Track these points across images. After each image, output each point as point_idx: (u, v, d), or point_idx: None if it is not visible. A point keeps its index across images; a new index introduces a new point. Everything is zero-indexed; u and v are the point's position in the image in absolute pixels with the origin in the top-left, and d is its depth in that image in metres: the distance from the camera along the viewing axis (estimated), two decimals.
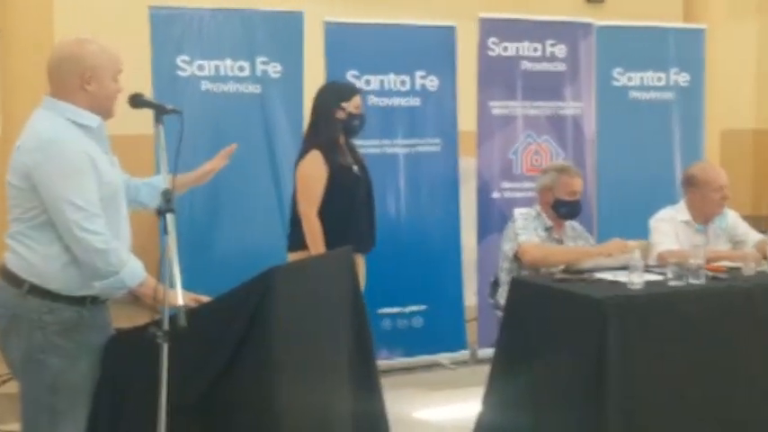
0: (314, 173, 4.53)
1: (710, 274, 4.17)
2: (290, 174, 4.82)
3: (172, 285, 2.76)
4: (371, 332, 3.55)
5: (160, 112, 2.96)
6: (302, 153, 4.63)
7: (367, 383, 3.45)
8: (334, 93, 4.71)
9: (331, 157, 4.56)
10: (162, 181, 2.92)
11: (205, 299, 3.03)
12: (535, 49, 6.10)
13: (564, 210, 4.73)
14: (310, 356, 3.11)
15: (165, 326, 2.73)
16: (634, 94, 6.40)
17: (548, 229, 4.74)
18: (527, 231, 4.65)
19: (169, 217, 2.80)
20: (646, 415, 3.84)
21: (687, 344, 3.92)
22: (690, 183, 4.87)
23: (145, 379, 2.81)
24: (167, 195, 2.81)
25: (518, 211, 4.80)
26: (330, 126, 4.60)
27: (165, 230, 2.80)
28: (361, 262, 4.73)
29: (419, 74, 5.85)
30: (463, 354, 5.99)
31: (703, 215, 4.83)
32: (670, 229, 4.75)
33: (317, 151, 4.55)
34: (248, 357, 2.88)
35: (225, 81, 5.43)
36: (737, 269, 4.29)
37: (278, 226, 5.30)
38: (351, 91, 4.76)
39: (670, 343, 3.89)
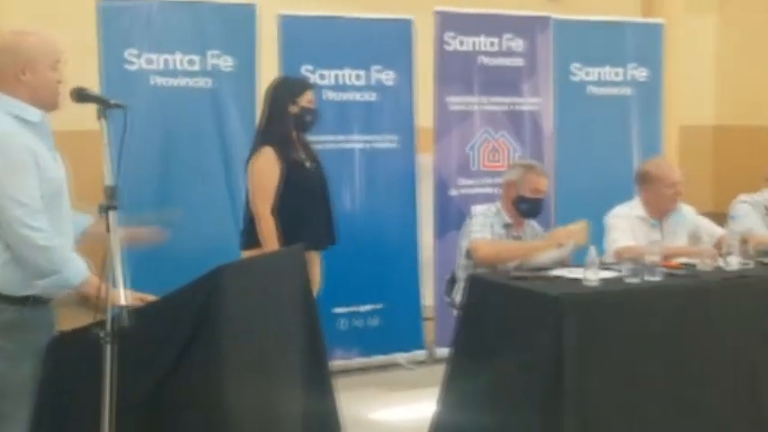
0: (267, 169, 4.53)
1: (667, 270, 4.22)
2: (243, 170, 4.79)
3: (116, 285, 2.74)
4: (324, 331, 3.54)
5: (104, 106, 2.93)
6: (254, 149, 4.62)
7: (319, 383, 3.45)
8: (286, 87, 4.70)
9: (284, 153, 4.55)
10: (85, 218, 2.95)
11: (151, 298, 3.02)
12: (492, 44, 6.13)
13: (525, 207, 4.76)
14: (260, 355, 3.11)
15: (109, 326, 2.71)
16: (592, 90, 6.46)
17: (506, 226, 4.77)
18: (483, 228, 4.68)
19: (111, 214, 2.77)
20: (603, 413, 3.87)
21: (643, 341, 3.96)
22: (643, 179, 4.93)
23: (92, 379, 2.78)
24: (110, 192, 2.79)
25: (477, 208, 4.83)
26: (283, 121, 4.59)
27: (107, 228, 2.77)
28: (317, 260, 4.73)
29: (375, 68, 5.85)
30: (420, 353, 6.02)
31: (658, 211, 4.89)
32: (626, 225, 4.80)
33: (269, 147, 4.55)
34: (196, 356, 2.89)
35: (175, 75, 5.39)
36: (694, 266, 4.34)
37: (231, 223, 5.28)
38: (303, 85, 4.76)
39: (626, 340, 3.92)
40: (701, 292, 4.12)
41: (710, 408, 4.11)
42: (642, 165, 5.06)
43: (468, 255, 4.68)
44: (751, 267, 4.36)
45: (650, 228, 4.85)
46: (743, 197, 5.31)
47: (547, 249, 4.61)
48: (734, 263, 4.35)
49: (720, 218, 5.27)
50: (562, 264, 4.54)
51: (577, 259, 4.50)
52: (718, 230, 4.95)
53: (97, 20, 5.24)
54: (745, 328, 4.18)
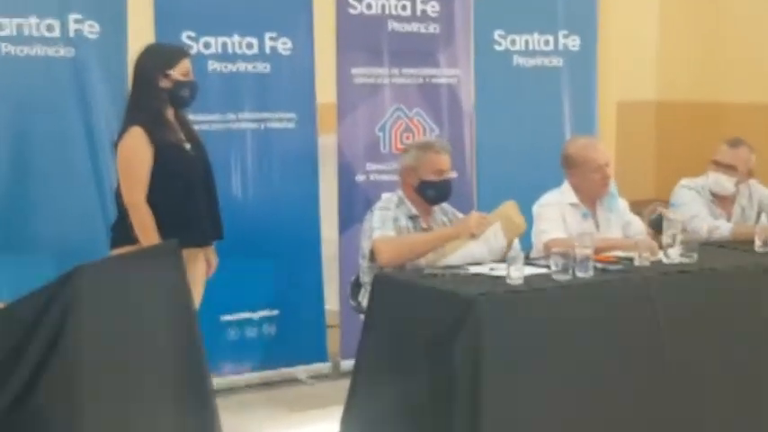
0: (136, 152, 4.45)
1: (600, 265, 4.26)
2: (113, 154, 4.69)
3: None
4: (203, 343, 3.49)
5: None
6: (122, 130, 4.53)
7: (197, 400, 3.43)
8: (156, 57, 4.61)
9: (156, 134, 4.48)
10: None
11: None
12: (404, 7, 6.10)
13: (431, 192, 4.75)
14: (124, 370, 3.08)
15: None
16: (518, 60, 6.48)
17: (413, 218, 4.75)
18: (384, 224, 4.64)
19: None
20: (527, 423, 3.90)
21: (573, 344, 4.01)
22: (567, 163, 4.97)
23: None
24: None
25: (379, 203, 4.80)
26: (153, 97, 4.51)
27: None
28: (200, 258, 4.67)
29: (269, 35, 5.76)
30: (323, 366, 5.99)
31: (588, 198, 4.93)
32: (556, 214, 4.82)
33: (138, 127, 4.47)
34: (52, 370, 2.87)
35: (30, 43, 5.22)
36: (630, 259, 4.39)
37: (98, 217, 5.19)
38: (177, 54, 4.67)
39: (554, 343, 3.96)
40: (639, 289, 4.17)
41: (649, 409, 4.16)
42: (565, 147, 5.08)
43: (372, 257, 4.64)
44: (694, 261, 4.42)
45: (582, 218, 4.88)
46: (685, 182, 5.39)
47: (456, 237, 4.57)
48: (674, 256, 4.41)
49: (663, 206, 5.35)
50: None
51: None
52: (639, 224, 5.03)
53: None
54: (687, 326, 4.25)
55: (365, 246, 4.71)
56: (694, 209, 5.19)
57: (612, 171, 5.00)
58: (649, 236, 4.85)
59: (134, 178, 4.46)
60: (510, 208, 4.72)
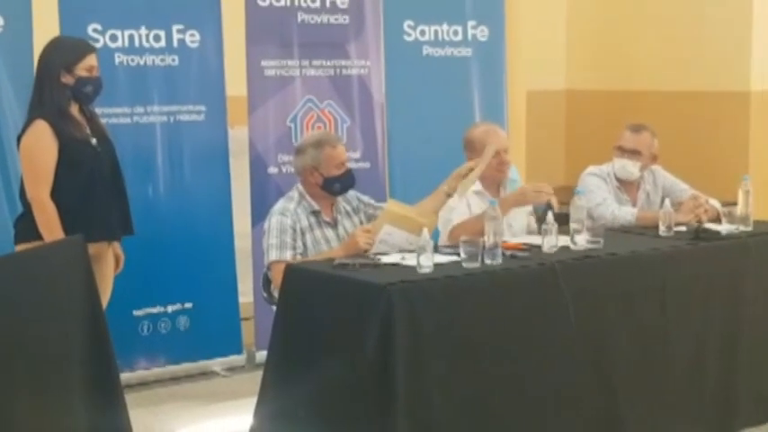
0: (40, 147, 4.38)
1: (508, 252, 4.28)
2: (17, 149, 4.61)
3: None
4: (110, 334, 3.43)
5: None
6: (26, 124, 4.45)
7: (106, 398, 3.37)
8: (59, 52, 4.54)
9: (61, 129, 4.41)
10: None
11: None
12: None
13: (338, 186, 4.74)
14: (29, 367, 2.99)
15: None
16: (428, 50, 6.50)
17: (315, 213, 4.73)
18: (281, 248, 4.57)
19: None
20: (443, 414, 3.91)
21: (484, 330, 4.02)
22: (467, 147, 5.03)
23: None
24: None
25: (278, 204, 4.74)
26: (56, 92, 4.44)
27: None
28: (108, 253, 4.61)
29: (177, 27, 5.68)
30: (238, 358, 5.96)
31: (489, 183, 4.99)
32: (461, 203, 4.85)
33: (42, 121, 4.39)
34: None
35: None
36: (537, 246, 4.42)
37: (4, 211, 5.08)
38: (81, 49, 4.59)
39: (464, 330, 3.97)
40: (547, 275, 4.20)
41: (559, 399, 4.21)
42: (466, 131, 5.13)
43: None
44: (599, 246, 4.47)
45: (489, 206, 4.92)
46: (591, 169, 5.45)
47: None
48: (581, 242, 4.45)
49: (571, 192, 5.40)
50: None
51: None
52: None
53: None
54: (595, 312, 4.29)
55: (266, 244, 4.66)
56: (599, 196, 5.24)
57: (511, 158, 5.07)
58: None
59: (38, 173, 4.39)
60: (394, 206, 4.71)
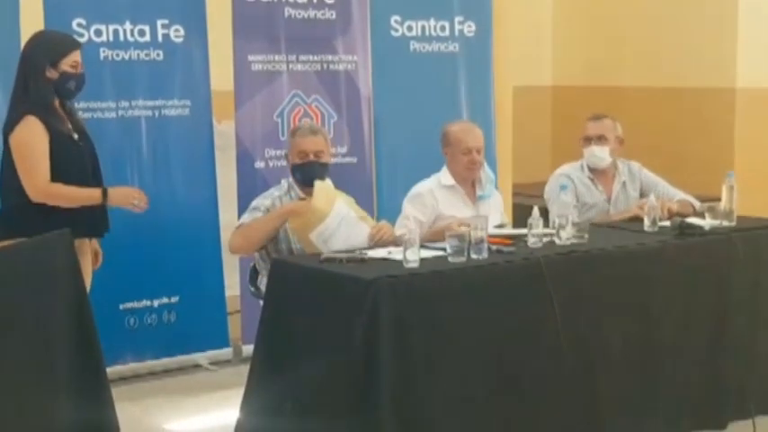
0: (35, 140, 4.37)
1: (494, 247, 4.30)
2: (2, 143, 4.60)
3: None
4: (97, 330, 3.44)
5: None
6: (12, 121, 4.44)
7: (92, 391, 3.37)
8: (44, 47, 4.53)
9: (49, 123, 4.41)
10: None
11: None
12: None
13: (298, 175, 4.78)
14: (12, 363, 2.99)
15: None
16: (415, 46, 6.50)
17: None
18: (248, 217, 4.69)
19: None
20: (427, 410, 3.92)
21: (470, 324, 4.03)
22: (442, 142, 5.11)
23: None
24: None
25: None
26: (40, 88, 4.44)
27: None
28: (88, 249, 4.60)
29: (161, 22, 5.68)
30: (225, 352, 5.97)
31: (460, 179, 5.06)
32: (421, 209, 4.96)
33: (32, 117, 4.39)
34: None
35: None
36: (523, 240, 4.43)
37: None
38: (67, 45, 4.58)
39: (451, 324, 3.98)
40: (532, 270, 4.20)
41: (545, 391, 4.23)
42: (444, 126, 5.18)
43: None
44: (583, 242, 4.48)
45: (463, 203, 4.98)
46: (558, 171, 5.56)
47: (295, 211, 4.58)
48: (566, 237, 4.47)
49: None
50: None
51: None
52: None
53: None
54: (580, 306, 4.31)
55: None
56: (557, 206, 5.18)
57: (483, 158, 5.09)
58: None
59: (36, 164, 4.38)
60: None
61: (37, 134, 4.39)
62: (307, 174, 4.74)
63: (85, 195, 4.47)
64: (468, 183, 5.09)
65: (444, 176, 5.06)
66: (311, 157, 4.72)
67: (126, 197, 4.61)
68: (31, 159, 4.40)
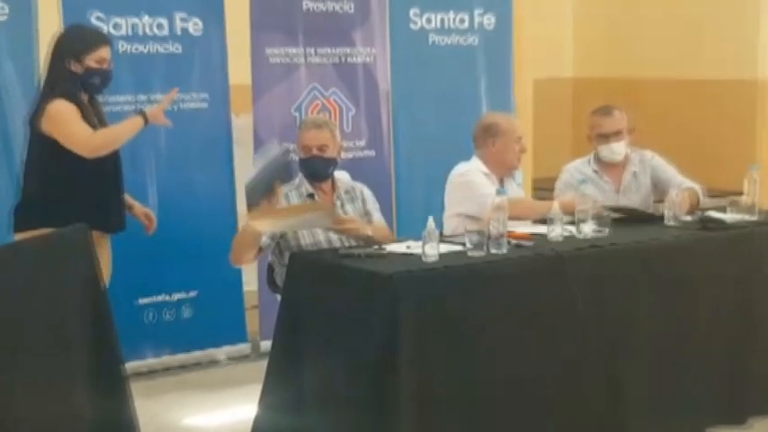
0: (68, 108, 4.44)
1: (514, 241, 4.28)
2: (22, 138, 4.64)
3: None
4: (115, 325, 3.44)
5: None
6: (40, 109, 4.49)
7: (110, 387, 3.38)
8: (71, 42, 4.61)
9: (78, 109, 4.46)
10: None
11: None
12: None
13: (304, 170, 4.74)
14: (30, 359, 3.00)
15: None
16: (434, 38, 6.48)
17: (310, 197, 4.72)
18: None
19: None
20: (446, 402, 3.92)
21: (489, 319, 4.02)
22: (489, 132, 5.07)
23: None
24: None
25: None
26: (67, 80, 4.51)
27: None
28: (105, 244, 4.63)
29: (179, 15, 5.69)
30: (243, 347, 5.97)
31: (503, 169, 5.06)
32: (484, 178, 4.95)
33: (61, 99, 4.44)
34: None
35: None
36: (543, 235, 4.42)
37: (8, 198, 5.05)
38: (94, 41, 4.63)
39: (471, 321, 3.97)
40: (552, 265, 4.20)
41: (567, 387, 4.22)
42: (485, 117, 5.20)
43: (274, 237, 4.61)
44: (605, 236, 4.47)
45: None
46: (565, 168, 5.52)
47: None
48: (587, 231, 4.45)
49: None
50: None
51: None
52: None
53: None
54: (601, 301, 4.29)
55: None
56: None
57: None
58: None
59: (76, 125, 4.44)
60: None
61: (69, 107, 4.46)
62: (309, 168, 4.70)
63: (128, 127, 4.58)
64: (501, 173, 5.09)
65: (480, 165, 5.05)
66: (314, 151, 4.66)
67: (160, 115, 4.68)
68: (70, 124, 4.45)
